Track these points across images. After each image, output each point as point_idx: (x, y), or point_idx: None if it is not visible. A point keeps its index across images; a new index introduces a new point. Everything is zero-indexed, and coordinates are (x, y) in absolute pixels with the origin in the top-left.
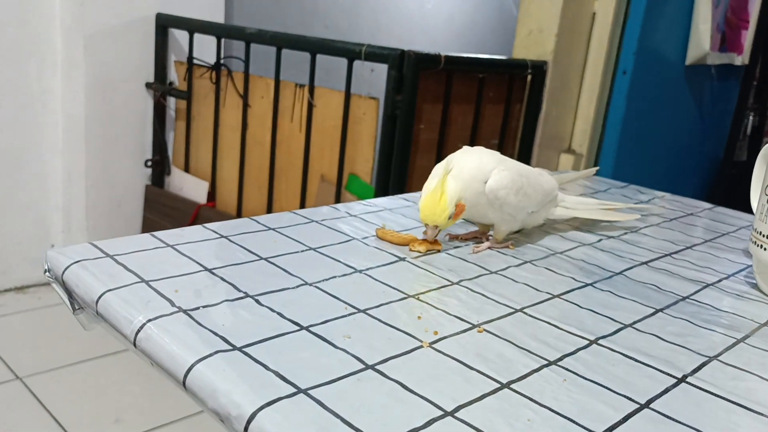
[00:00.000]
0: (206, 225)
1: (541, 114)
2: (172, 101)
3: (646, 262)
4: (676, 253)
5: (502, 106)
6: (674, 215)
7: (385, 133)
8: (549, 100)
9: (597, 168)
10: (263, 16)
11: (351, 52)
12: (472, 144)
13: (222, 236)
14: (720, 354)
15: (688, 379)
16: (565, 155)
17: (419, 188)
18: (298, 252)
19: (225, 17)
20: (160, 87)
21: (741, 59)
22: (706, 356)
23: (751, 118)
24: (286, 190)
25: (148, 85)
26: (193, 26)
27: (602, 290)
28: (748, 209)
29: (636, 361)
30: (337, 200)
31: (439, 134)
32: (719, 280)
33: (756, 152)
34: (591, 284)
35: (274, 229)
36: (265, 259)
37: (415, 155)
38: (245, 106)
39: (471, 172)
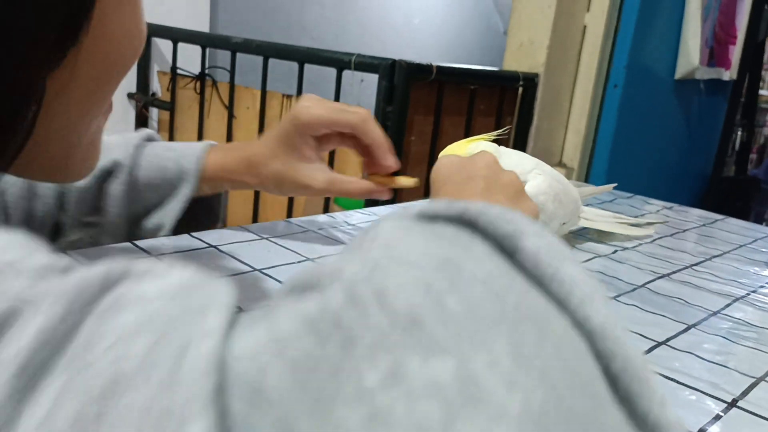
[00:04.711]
0: (193, 234)
1: (532, 127)
2: (154, 112)
3: (667, 275)
4: (696, 265)
5: (493, 119)
6: (686, 226)
7: None
8: (540, 113)
9: (615, 184)
10: (249, 26)
11: (340, 62)
12: None
13: (211, 246)
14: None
15: (739, 404)
16: (557, 169)
17: (410, 200)
18: (294, 263)
19: (210, 27)
20: (142, 97)
21: (729, 74)
22: (753, 377)
23: (739, 133)
24: (273, 202)
25: (130, 96)
26: (177, 35)
27: (627, 304)
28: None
29: (677, 383)
30: (326, 212)
31: (430, 146)
32: (747, 294)
33: (744, 167)
34: (614, 298)
35: (267, 239)
36: (260, 270)
37: (406, 167)
38: (230, 117)
39: (514, 159)
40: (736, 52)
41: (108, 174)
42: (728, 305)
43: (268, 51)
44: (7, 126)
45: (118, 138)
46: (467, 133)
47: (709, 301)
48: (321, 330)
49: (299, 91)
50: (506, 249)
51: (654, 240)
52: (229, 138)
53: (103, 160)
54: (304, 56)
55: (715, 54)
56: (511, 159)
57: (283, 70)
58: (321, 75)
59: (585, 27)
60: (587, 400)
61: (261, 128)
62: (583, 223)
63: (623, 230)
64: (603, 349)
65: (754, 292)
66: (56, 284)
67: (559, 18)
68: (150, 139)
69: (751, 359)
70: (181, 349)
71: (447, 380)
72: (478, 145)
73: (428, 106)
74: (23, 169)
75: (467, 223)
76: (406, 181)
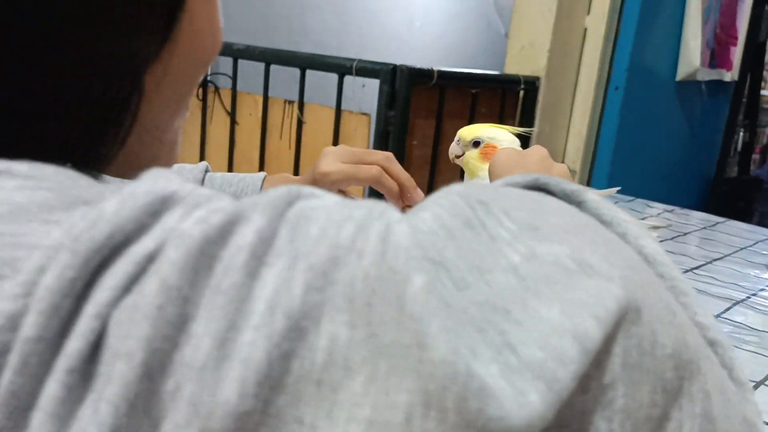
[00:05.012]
0: None
1: (533, 130)
2: None
3: None
4: (696, 268)
5: (495, 122)
6: (687, 229)
7: (378, 149)
8: (542, 116)
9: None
10: (251, 33)
11: (342, 68)
12: None
13: None
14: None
15: None
16: None
17: None
18: None
19: None
20: None
21: (730, 75)
22: (754, 381)
23: (741, 134)
24: None
25: None
26: None
27: None
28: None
29: None
30: None
31: (432, 150)
32: (748, 297)
33: (746, 168)
34: None
35: None
36: None
37: (408, 172)
38: (233, 123)
39: None
40: (737, 53)
41: None
42: (728, 309)
43: (270, 57)
44: (116, 120)
45: (174, 168)
46: None
47: (709, 304)
48: (474, 226)
49: (301, 97)
50: (572, 202)
51: None
52: (232, 143)
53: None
54: (305, 62)
55: (716, 55)
56: None
57: (285, 76)
58: (323, 80)
59: (585, 30)
60: (659, 283)
61: (263, 134)
62: None
63: None
64: (655, 271)
65: (754, 295)
66: (254, 200)
67: (559, 21)
68: (206, 170)
69: (751, 363)
70: (382, 231)
71: (566, 258)
72: (496, 130)
73: (430, 110)
74: (119, 167)
75: (539, 187)
76: None
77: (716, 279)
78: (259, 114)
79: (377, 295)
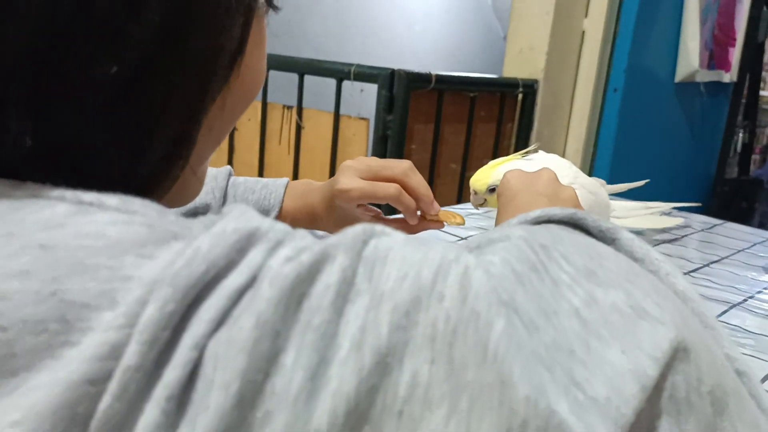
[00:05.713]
0: None
1: (532, 133)
2: None
3: None
4: (694, 271)
5: (493, 126)
6: (686, 231)
7: (376, 154)
8: (541, 118)
9: (647, 180)
10: None
11: (340, 73)
12: (464, 162)
13: None
14: (761, 381)
15: None
16: None
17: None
18: None
19: None
20: None
21: (729, 76)
22: None
23: (741, 134)
24: None
25: None
26: None
27: None
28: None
29: None
30: None
31: (431, 154)
32: (745, 300)
33: (746, 169)
34: None
35: None
36: None
37: None
38: (232, 129)
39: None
40: (735, 54)
41: (197, 215)
42: (725, 312)
43: (268, 63)
44: (177, 157)
45: None
46: (468, 141)
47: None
48: (538, 270)
49: (300, 103)
50: (606, 239)
51: (654, 245)
52: (231, 149)
53: (196, 200)
54: (303, 67)
55: (714, 56)
56: (552, 160)
57: (283, 81)
58: (322, 85)
59: (584, 32)
60: (697, 322)
61: (262, 140)
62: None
63: (653, 224)
64: (687, 308)
65: (751, 297)
66: (336, 239)
67: (557, 23)
68: (230, 175)
69: None
70: (461, 275)
71: (622, 303)
72: (502, 168)
73: (428, 114)
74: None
75: (575, 223)
76: (454, 219)
77: (713, 282)
78: (258, 119)
79: (458, 336)
